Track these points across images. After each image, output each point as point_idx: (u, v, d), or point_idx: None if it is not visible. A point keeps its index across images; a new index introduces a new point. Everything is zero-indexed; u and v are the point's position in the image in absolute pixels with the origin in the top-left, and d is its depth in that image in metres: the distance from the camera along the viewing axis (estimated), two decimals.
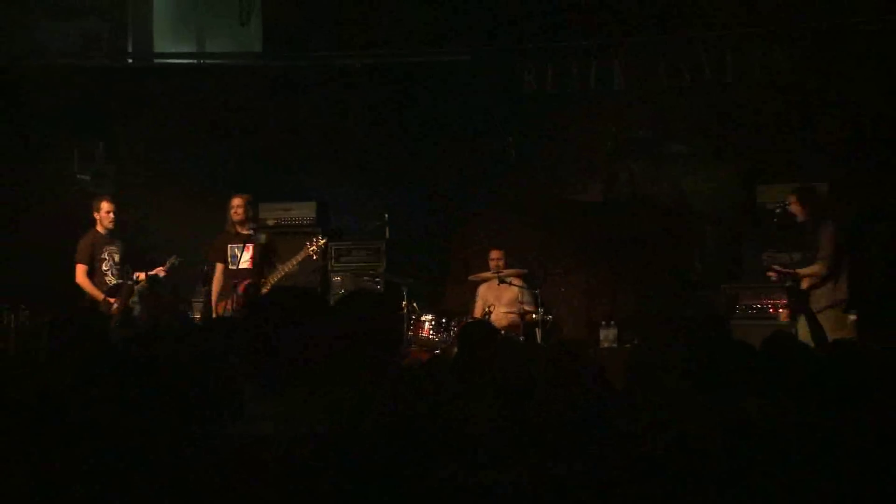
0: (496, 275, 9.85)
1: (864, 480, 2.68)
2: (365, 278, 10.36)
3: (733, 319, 9.00)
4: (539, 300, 9.71)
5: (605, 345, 9.79)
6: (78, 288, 9.00)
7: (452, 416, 2.80)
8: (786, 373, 3.04)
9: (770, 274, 8.37)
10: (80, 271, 8.94)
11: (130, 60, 11.97)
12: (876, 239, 9.33)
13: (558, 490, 2.63)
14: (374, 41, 10.95)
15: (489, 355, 3.85)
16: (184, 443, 2.34)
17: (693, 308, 9.06)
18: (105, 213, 9.02)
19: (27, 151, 10.62)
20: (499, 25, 10.77)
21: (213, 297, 9.06)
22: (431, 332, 9.43)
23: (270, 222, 10.55)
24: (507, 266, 9.99)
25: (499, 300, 9.83)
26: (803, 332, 7.75)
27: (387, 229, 10.50)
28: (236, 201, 9.14)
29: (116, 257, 9.03)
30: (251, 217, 9.24)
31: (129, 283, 8.97)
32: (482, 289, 10.13)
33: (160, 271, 9.02)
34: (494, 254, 10.00)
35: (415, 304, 9.66)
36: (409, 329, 9.40)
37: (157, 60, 12.06)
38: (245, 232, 9.13)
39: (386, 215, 10.51)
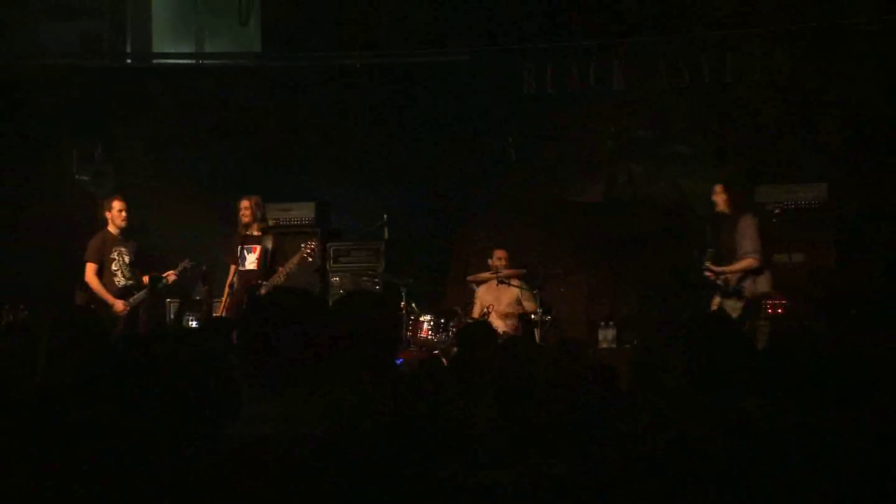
0: (495, 275, 9.83)
1: (864, 480, 2.68)
2: (364, 279, 10.36)
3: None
4: (538, 300, 9.70)
5: (604, 345, 9.78)
6: (85, 286, 9.00)
7: (452, 416, 2.80)
8: (786, 373, 3.03)
9: (707, 274, 8.38)
10: (90, 270, 8.93)
11: (129, 61, 11.97)
12: (876, 239, 9.33)
13: (558, 490, 2.63)
14: (374, 41, 10.95)
15: (489, 355, 3.85)
16: (184, 443, 2.34)
17: (693, 308, 9.05)
18: (117, 213, 9.05)
19: (27, 151, 10.62)
20: (499, 26, 10.76)
21: (224, 298, 9.12)
22: (430, 332, 9.42)
23: (270, 222, 10.55)
24: (508, 266, 9.98)
25: (498, 301, 9.82)
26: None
27: (386, 230, 10.50)
28: (244, 203, 9.26)
29: (127, 258, 9.04)
30: (259, 218, 9.31)
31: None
32: (481, 290, 10.11)
33: (171, 275, 9.04)
34: (499, 253, 9.95)
35: (413, 305, 9.66)
36: (407, 329, 9.40)
37: (156, 61, 12.06)
38: (254, 233, 9.22)
39: (385, 216, 10.51)
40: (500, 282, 9.85)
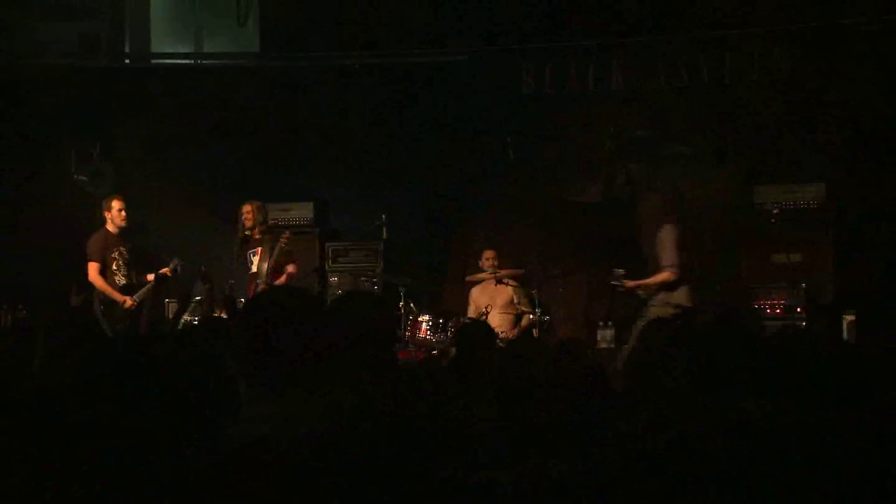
0: (493, 275, 9.83)
1: (864, 480, 2.68)
2: (363, 279, 10.36)
3: None
4: (535, 301, 9.69)
5: (603, 345, 9.79)
6: (87, 286, 9.01)
7: (452, 416, 2.80)
8: (786, 373, 3.03)
9: (615, 283, 8.25)
10: (94, 269, 8.95)
11: (128, 61, 11.97)
12: (875, 239, 9.33)
13: (558, 490, 2.63)
14: (373, 41, 10.96)
15: (488, 355, 3.85)
16: (184, 443, 2.33)
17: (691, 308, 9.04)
18: (117, 212, 9.09)
19: (25, 151, 10.63)
20: (498, 26, 10.77)
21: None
22: (429, 332, 9.42)
23: (269, 222, 10.56)
24: (500, 266, 9.97)
25: (493, 302, 9.81)
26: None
27: (384, 230, 10.50)
28: (245, 207, 9.38)
29: (126, 257, 9.10)
30: (261, 221, 9.41)
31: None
32: (475, 291, 10.09)
33: (166, 272, 9.14)
34: (487, 253, 9.97)
35: (412, 305, 9.66)
36: (406, 330, 9.41)
37: (154, 61, 12.07)
38: (256, 236, 9.31)
39: (384, 216, 10.51)
40: (499, 281, 9.85)
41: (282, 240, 9.28)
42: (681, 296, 7.98)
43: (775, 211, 9.32)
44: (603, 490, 2.61)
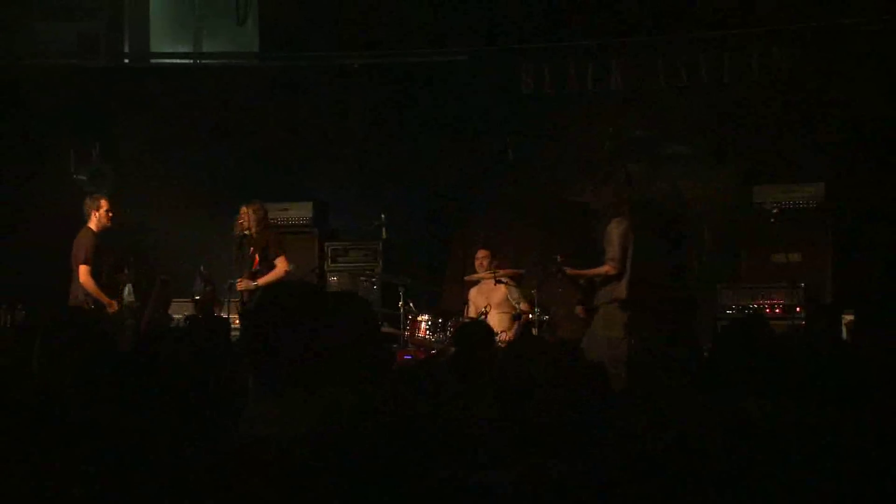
0: (492, 275, 9.83)
1: (864, 480, 2.68)
2: (362, 279, 10.37)
3: (729, 320, 9.03)
4: (535, 300, 9.69)
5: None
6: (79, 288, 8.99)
7: (452, 416, 2.80)
8: (786, 373, 3.04)
9: (554, 270, 8.40)
10: (86, 271, 8.87)
11: (127, 61, 11.96)
12: (874, 239, 9.33)
13: (558, 490, 2.62)
14: (373, 41, 10.96)
15: (488, 355, 3.85)
16: (184, 443, 2.33)
17: (695, 308, 9.05)
18: (104, 212, 9.03)
19: (25, 152, 10.63)
20: (498, 26, 10.77)
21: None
22: (428, 332, 9.43)
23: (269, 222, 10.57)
24: (499, 266, 9.96)
25: (490, 301, 9.80)
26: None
27: (384, 229, 10.50)
28: (242, 209, 9.32)
29: (105, 257, 9.06)
30: (257, 222, 9.35)
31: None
32: (472, 292, 10.09)
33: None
34: (481, 253, 9.98)
35: (411, 305, 9.66)
36: (405, 329, 9.41)
37: (153, 61, 12.06)
38: (253, 236, 9.30)
39: (383, 215, 10.51)
40: (498, 281, 9.84)
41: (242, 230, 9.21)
42: (621, 290, 8.11)
43: (775, 210, 9.32)
44: (603, 490, 2.61)
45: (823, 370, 2.99)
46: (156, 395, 2.39)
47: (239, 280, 8.94)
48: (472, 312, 9.92)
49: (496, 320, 9.58)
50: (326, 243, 10.76)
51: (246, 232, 9.29)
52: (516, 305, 9.78)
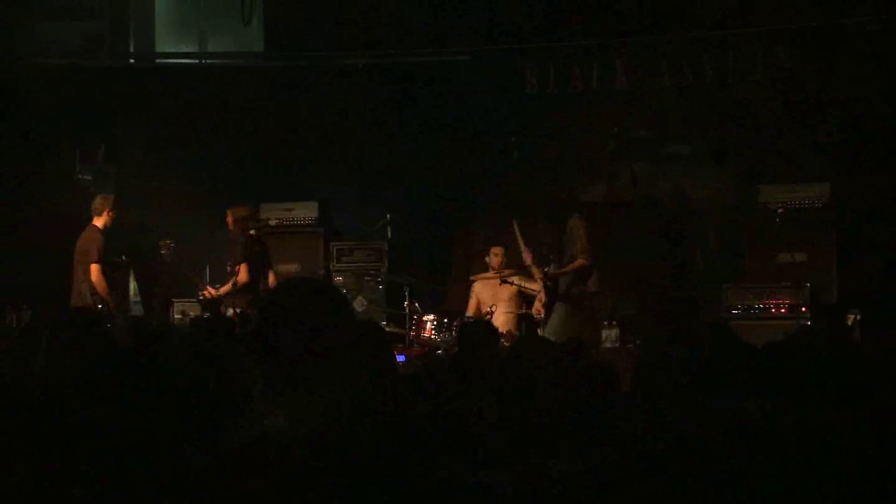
0: (498, 275, 9.84)
1: (864, 480, 2.68)
2: (367, 278, 10.38)
3: (735, 320, 9.03)
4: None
5: (607, 345, 9.77)
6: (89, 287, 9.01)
7: (452, 416, 2.80)
8: (786, 373, 3.03)
9: (535, 272, 8.71)
10: (98, 270, 8.89)
11: (132, 60, 11.98)
12: (879, 239, 9.32)
13: (558, 490, 2.62)
14: (376, 41, 10.97)
15: (489, 355, 3.85)
16: (184, 443, 2.34)
17: (696, 309, 9.06)
18: (110, 213, 9.07)
19: (29, 152, 10.64)
20: (501, 25, 10.78)
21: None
22: (433, 331, 9.45)
23: (272, 222, 10.60)
24: (503, 265, 9.97)
25: (496, 299, 9.81)
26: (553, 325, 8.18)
27: (389, 229, 10.51)
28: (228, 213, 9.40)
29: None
30: (230, 225, 9.40)
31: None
32: (478, 286, 10.11)
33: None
34: (495, 250, 9.98)
35: (416, 304, 9.67)
36: (410, 329, 9.43)
37: (158, 60, 12.07)
38: (244, 240, 9.35)
39: (388, 215, 10.52)
40: (504, 281, 9.85)
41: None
42: (593, 283, 8.48)
43: (779, 210, 9.31)
44: (603, 490, 2.61)
45: (823, 370, 2.98)
46: (156, 394, 2.40)
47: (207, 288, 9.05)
48: (473, 306, 9.92)
49: (502, 319, 9.58)
50: (332, 243, 10.77)
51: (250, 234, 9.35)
52: (528, 288, 9.73)
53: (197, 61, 11.97)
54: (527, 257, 8.89)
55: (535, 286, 9.71)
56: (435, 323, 9.45)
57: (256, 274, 9.32)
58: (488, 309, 9.63)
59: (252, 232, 9.49)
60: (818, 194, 9.59)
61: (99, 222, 9.07)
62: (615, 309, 9.89)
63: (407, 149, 10.89)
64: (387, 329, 9.16)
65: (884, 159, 9.48)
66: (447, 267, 11.22)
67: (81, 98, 10.65)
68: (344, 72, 11.03)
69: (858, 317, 8.58)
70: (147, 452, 2.27)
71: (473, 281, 10.26)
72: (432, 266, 10.93)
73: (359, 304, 9.90)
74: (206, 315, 9.46)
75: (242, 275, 9.17)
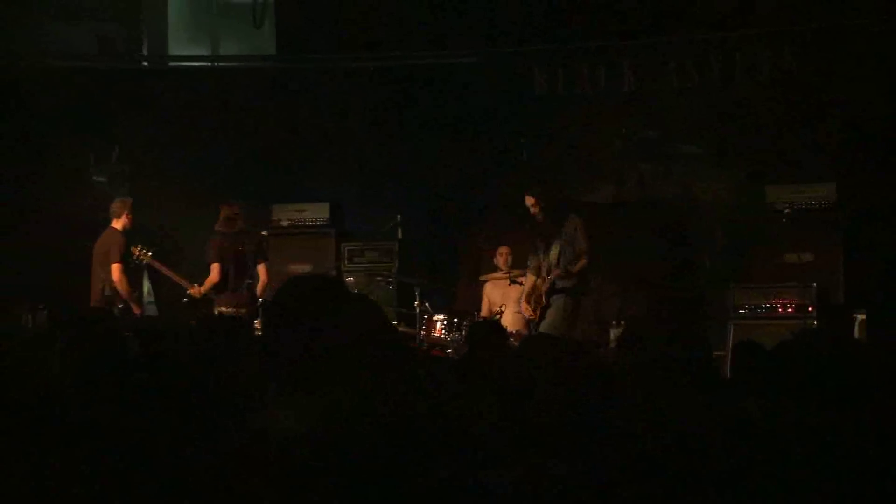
0: (507, 275, 9.86)
1: (864, 480, 2.68)
2: (378, 278, 10.41)
3: (741, 320, 9.04)
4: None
5: (615, 345, 9.77)
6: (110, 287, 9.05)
7: (452, 416, 2.81)
8: (786, 373, 3.04)
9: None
10: (119, 269, 8.94)
11: (145, 63, 12.03)
12: (886, 239, 9.29)
13: (558, 490, 2.63)
14: (387, 43, 11.00)
15: (489, 355, 3.85)
16: (184, 443, 2.35)
17: (701, 309, 9.06)
18: (128, 216, 9.13)
19: (44, 153, 10.69)
20: (510, 27, 10.80)
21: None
22: (444, 331, 9.46)
23: (284, 223, 10.66)
24: (512, 265, 9.99)
25: (506, 298, 9.82)
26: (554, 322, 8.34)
27: (399, 230, 10.54)
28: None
29: None
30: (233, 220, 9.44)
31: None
32: (488, 287, 10.14)
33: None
34: (502, 250, 10.02)
35: (427, 304, 9.69)
36: (421, 329, 9.45)
37: (171, 63, 12.13)
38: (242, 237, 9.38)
39: (398, 216, 10.54)
40: (513, 281, 9.87)
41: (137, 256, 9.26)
42: (588, 280, 8.72)
43: (786, 210, 9.30)
44: (603, 490, 2.62)
45: (823, 370, 2.98)
46: (156, 394, 2.41)
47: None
48: (486, 307, 9.95)
49: (511, 319, 9.58)
50: (343, 244, 10.79)
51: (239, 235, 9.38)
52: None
53: (209, 64, 12.02)
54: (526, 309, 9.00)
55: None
56: (445, 323, 9.47)
57: (238, 273, 9.32)
58: (498, 309, 9.64)
59: (236, 230, 9.49)
60: (825, 195, 9.57)
61: (118, 224, 9.13)
62: (622, 309, 9.91)
63: (418, 150, 10.92)
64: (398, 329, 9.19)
65: (887, 159, 9.45)
66: (454, 267, 11.23)
67: (96, 100, 10.71)
68: (352, 73, 11.06)
69: (864, 318, 8.57)
70: (148, 452, 2.29)
71: (484, 282, 10.27)
72: (444, 266, 10.95)
73: None
74: (200, 315, 9.51)
75: (213, 275, 9.20)
